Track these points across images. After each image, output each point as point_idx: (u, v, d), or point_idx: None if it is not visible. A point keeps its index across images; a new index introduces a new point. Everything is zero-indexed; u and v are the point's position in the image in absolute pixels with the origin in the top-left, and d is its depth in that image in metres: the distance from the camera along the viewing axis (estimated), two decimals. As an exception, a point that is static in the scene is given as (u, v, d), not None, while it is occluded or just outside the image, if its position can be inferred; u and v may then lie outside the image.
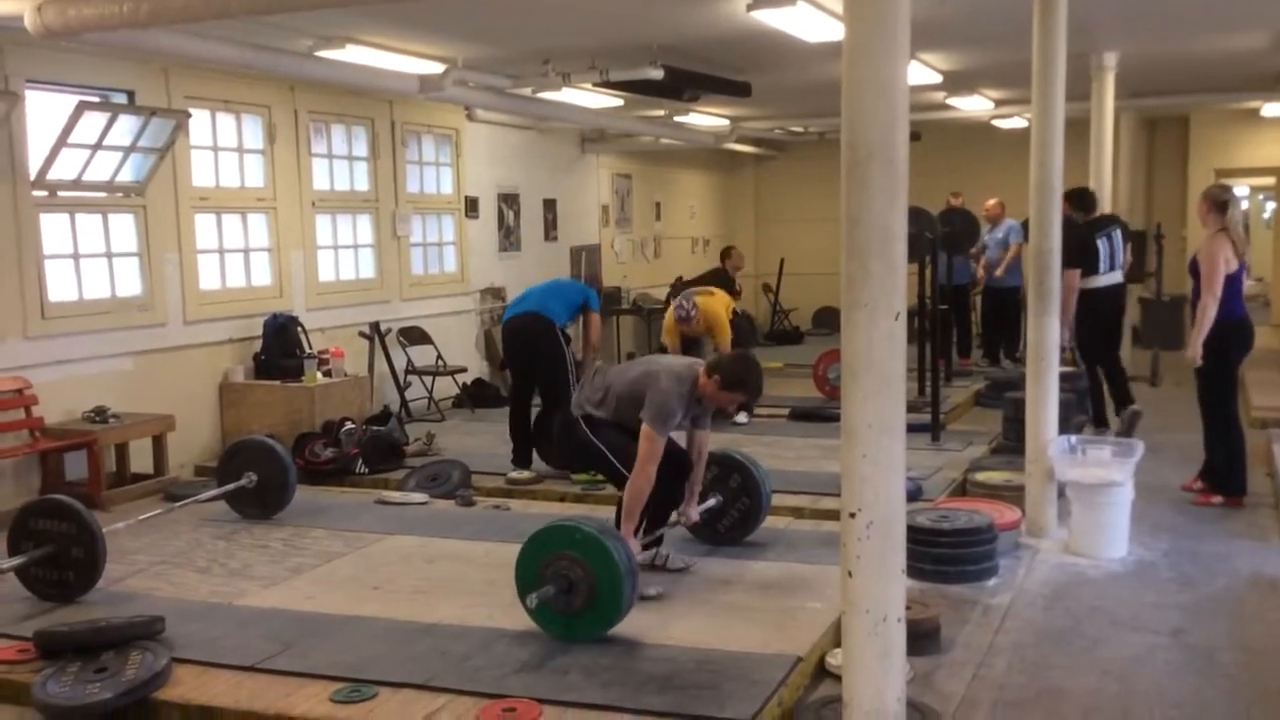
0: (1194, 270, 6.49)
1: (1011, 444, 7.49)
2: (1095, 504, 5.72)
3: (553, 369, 7.29)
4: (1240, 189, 20.28)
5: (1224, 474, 6.61)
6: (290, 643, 4.43)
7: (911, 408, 3.32)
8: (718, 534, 5.66)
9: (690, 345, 8.89)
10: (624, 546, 4.39)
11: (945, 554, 5.28)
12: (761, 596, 4.88)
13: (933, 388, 8.43)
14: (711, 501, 5.50)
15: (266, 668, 4.20)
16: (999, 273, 11.49)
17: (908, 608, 3.25)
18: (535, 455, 7.48)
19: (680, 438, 5.20)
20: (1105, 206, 9.06)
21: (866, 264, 2.99)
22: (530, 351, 7.41)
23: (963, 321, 11.97)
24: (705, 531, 5.64)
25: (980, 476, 6.76)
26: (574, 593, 4.32)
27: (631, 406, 4.92)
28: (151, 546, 5.92)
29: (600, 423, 5.08)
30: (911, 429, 3.36)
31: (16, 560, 4.99)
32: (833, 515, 5.59)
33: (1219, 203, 6.40)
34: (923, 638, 4.37)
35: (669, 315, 8.97)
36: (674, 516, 5.27)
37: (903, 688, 3.22)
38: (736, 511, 5.64)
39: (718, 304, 8.93)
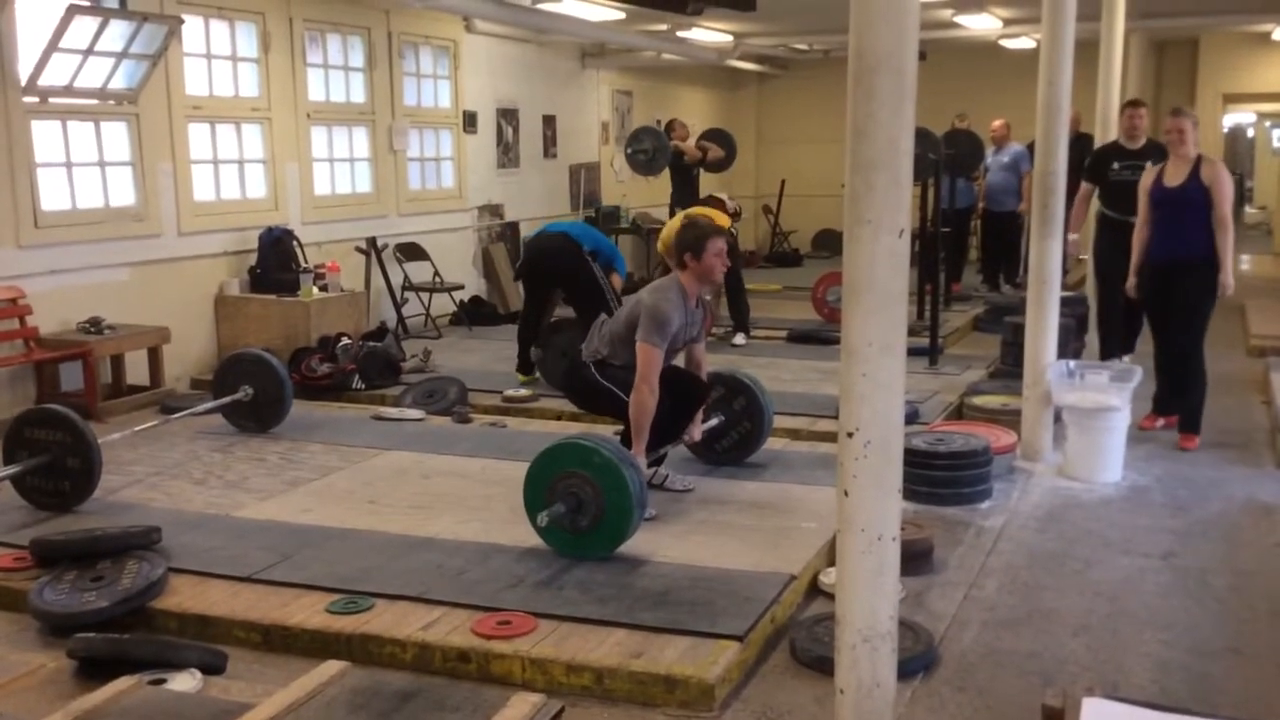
0: (1188, 194, 6.09)
1: (1009, 368, 7.48)
2: (1091, 429, 5.73)
3: (587, 289, 7.36)
4: (1247, 115, 20.12)
5: (1198, 410, 6.35)
6: (287, 554, 4.45)
7: (910, 331, 3.28)
8: (716, 454, 5.66)
9: None
10: (639, 476, 4.38)
11: (940, 476, 5.29)
12: (756, 516, 4.90)
13: (931, 311, 8.40)
14: (714, 421, 5.49)
15: (263, 578, 4.22)
16: (1023, 207, 11.35)
17: (902, 528, 3.24)
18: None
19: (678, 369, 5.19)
20: (1111, 129, 8.93)
21: (871, 178, 2.93)
22: (551, 267, 7.49)
23: (960, 246, 11.89)
24: (703, 450, 5.64)
25: (977, 400, 6.76)
26: (582, 512, 4.33)
27: (630, 338, 4.90)
28: (148, 458, 5.92)
29: (608, 365, 5.05)
30: (909, 353, 3.33)
31: (12, 469, 5.00)
32: (829, 437, 5.60)
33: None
34: (916, 558, 4.40)
35: (665, 228, 8.92)
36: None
37: (895, 606, 3.23)
38: (737, 434, 5.63)
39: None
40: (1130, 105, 7.69)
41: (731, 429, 5.62)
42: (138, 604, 3.97)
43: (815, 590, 4.32)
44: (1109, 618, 4.12)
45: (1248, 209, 21.56)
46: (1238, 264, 14.64)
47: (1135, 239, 6.35)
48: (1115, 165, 7.42)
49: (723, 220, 9.01)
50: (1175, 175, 6.16)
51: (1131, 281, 6.42)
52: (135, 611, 3.97)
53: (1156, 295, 6.31)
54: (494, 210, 11.18)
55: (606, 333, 5.14)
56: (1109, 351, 7.51)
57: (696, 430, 5.31)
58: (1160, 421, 6.55)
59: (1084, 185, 7.61)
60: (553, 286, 7.69)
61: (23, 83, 6.68)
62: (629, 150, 10.75)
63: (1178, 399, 6.40)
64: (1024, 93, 7.67)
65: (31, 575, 4.23)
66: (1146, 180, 6.33)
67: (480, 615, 3.85)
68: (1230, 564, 4.67)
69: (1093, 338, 8.48)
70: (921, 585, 4.36)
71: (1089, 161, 7.73)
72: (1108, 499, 5.49)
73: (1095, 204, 7.69)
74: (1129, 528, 5.09)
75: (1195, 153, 6.15)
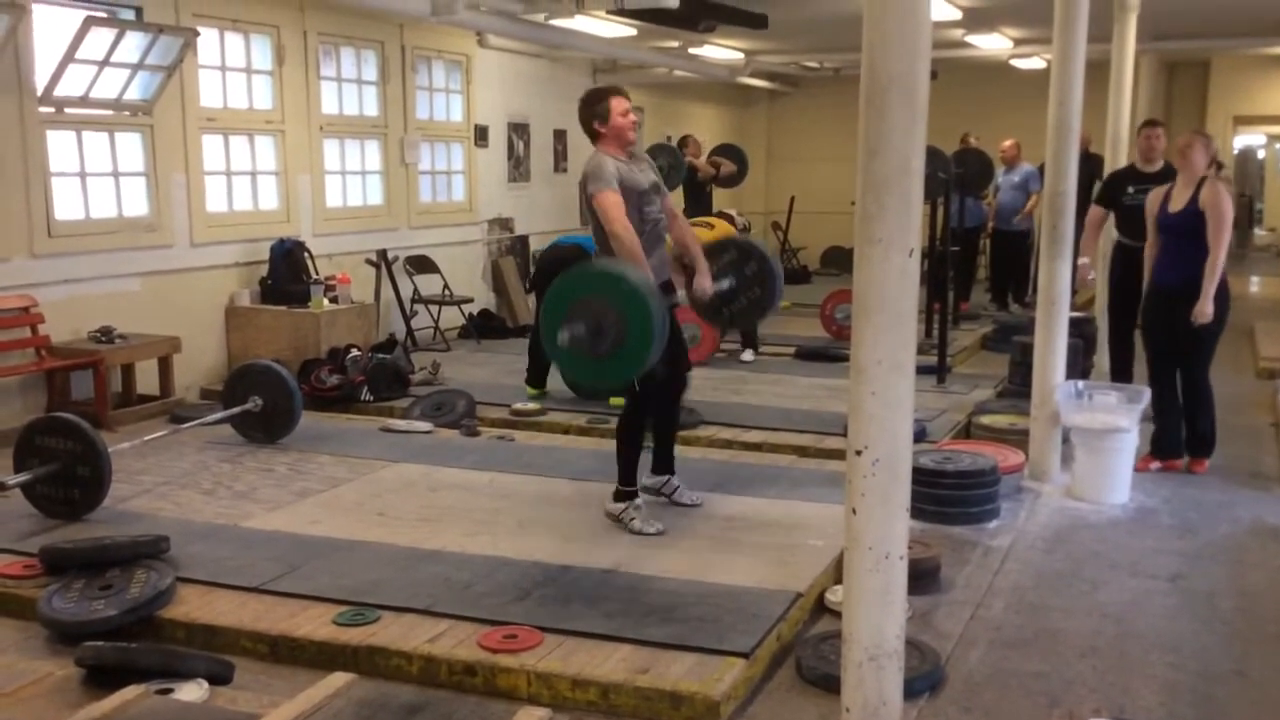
0: (1187, 220, 5.89)
1: (1017, 388, 7.47)
2: (1099, 449, 5.72)
3: None
4: (1258, 137, 20.11)
5: (1208, 436, 6.20)
6: (295, 565, 4.46)
7: (918, 350, 3.30)
8: (725, 317, 5.68)
9: None
10: (661, 307, 4.37)
11: (948, 495, 5.29)
12: (763, 533, 4.90)
13: (940, 330, 8.40)
14: (725, 284, 5.38)
15: (271, 589, 4.23)
16: (1018, 219, 11.37)
17: (909, 547, 3.25)
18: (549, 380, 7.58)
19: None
20: (1122, 151, 8.94)
21: (882, 198, 2.95)
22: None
23: (969, 265, 11.90)
24: (713, 314, 5.63)
25: (985, 419, 6.76)
26: (601, 336, 4.32)
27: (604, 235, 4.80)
28: (157, 467, 5.94)
29: None
30: (918, 371, 3.33)
31: (23, 477, 5.02)
32: (836, 455, 5.61)
33: (1213, 151, 6.02)
34: (923, 577, 4.39)
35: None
36: (681, 295, 5.20)
37: (902, 625, 3.23)
38: (747, 299, 5.53)
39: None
40: (1147, 125, 7.35)
41: (742, 293, 5.51)
42: (146, 613, 3.98)
43: (822, 608, 4.31)
44: (1116, 639, 4.11)
45: (1257, 231, 21.52)
46: (1246, 286, 14.64)
47: (1216, 264, 5.85)
48: (1130, 190, 7.09)
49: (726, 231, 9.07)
50: (1179, 199, 5.98)
51: (1208, 309, 5.86)
52: (143, 620, 3.98)
53: (1160, 322, 6.12)
54: (504, 224, 11.22)
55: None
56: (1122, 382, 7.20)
57: (707, 282, 5.20)
58: (1156, 464, 6.20)
59: (1096, 210, 7.28)
60: None
61: (39, 93, 6.73)
62: None
63: (1187, 427, 6.20)
64: (1035, 113, 7.65)
65: (41, 583, 4.25)
66: (1153, 204, 6.17)
67: (487, 629, 3.85)
68: (1238, 586, 4.66)
69: (1101, 357, 8.47)
70: (928, 604, 4.35)
71: (1102, 186, 7.51)
72: (1115, 520, 5.48)
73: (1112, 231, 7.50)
74: (1136, 549, 5.07)
75: (1200, 175, 5.92)
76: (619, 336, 4.30)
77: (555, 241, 8.06)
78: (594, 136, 4.98)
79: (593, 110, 4.96)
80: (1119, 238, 7.30)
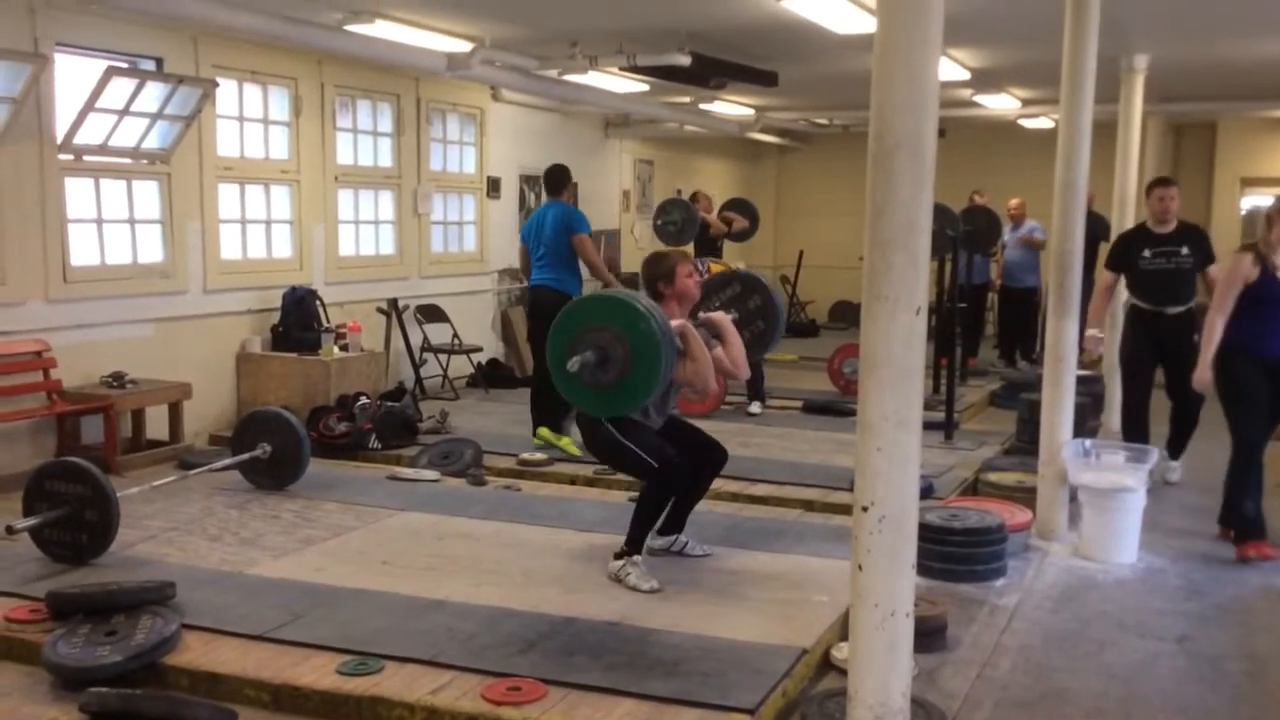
0: None
1: (1024, 445, 7.48)
2: (1107, 508, 5.71)
3: None
4: (1265, 199, 20.17)
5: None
6: (299, 613, 4.46)
7: (925, 406, 3.32)
8: None
9: None
10: (672, 354, 4.48)
11: (955, 553, 5.27)
12: (769, 588, 4.88)
13: (948, 386, 8.41)
14: (730, 317, 5.41)
15: (274, 637, 4.23)
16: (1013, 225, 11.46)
17: (915, 604, 3.24)
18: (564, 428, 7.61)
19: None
20: (1129, 212, 9.00)
21: (889, 256, 2.99)
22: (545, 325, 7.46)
23: (977, 322, 11.93)
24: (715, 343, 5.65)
25: (992, 477, 6.75)
26: (606, 368, 4.38)
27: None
28: (164, 513, 5.95)
29: (629, 423, 4.94)
30: (925, 427, 3.35)
31: (31, 521, 5.03)
32: (843, 509, 5.60)
33: (1267, 214, 5.81)
34: (929, 635, 4.37)
35: None
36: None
37: (908, 683, 3.22)
38: (750, 332, 5.60)
39: None
40: (1160, 184, 6.98)
41: (745, 327, 5.57)
42: (150, 659, 3.98)
43: (827, 664, 4.29)
44: (1122, 701, 4.08)
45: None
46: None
47: (1211, 328, 5.70)
48: (1146, 253, 6.81)
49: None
50: None
51: (1205, 375, 5.75)
52: (148, 667, 3.97)
53: (1262, 393, 5.73)
54: (514, 274, 11.29)
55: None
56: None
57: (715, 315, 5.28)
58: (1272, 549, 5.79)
59: (1107, 275, 7.11)
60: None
61: (59, 140, 6.83)
62: (658, 221, 10.95)
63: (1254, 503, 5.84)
64: (1042, 171, 7.71)
65: (46, 628, 4.25)
66: (1243, 271, 5.67)
67: (490, 681, 3.84)
68: (1246, 650, 4.62)
69: (1109, 416, 8.46)
70: (934, 662, 4.33)
71: (1112, 249, 7.24)
72: (1123, 580, 5.46)
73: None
74: (1144, 610, 5.05)
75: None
76: (623, 373, 4.36)
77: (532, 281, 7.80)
78: (656, 296, 5.08)
79: (658, 270, 5.09)
80: (1134, 300, 7.02)
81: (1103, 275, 7.17)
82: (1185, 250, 6.77)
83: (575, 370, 4.41)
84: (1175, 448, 7.17)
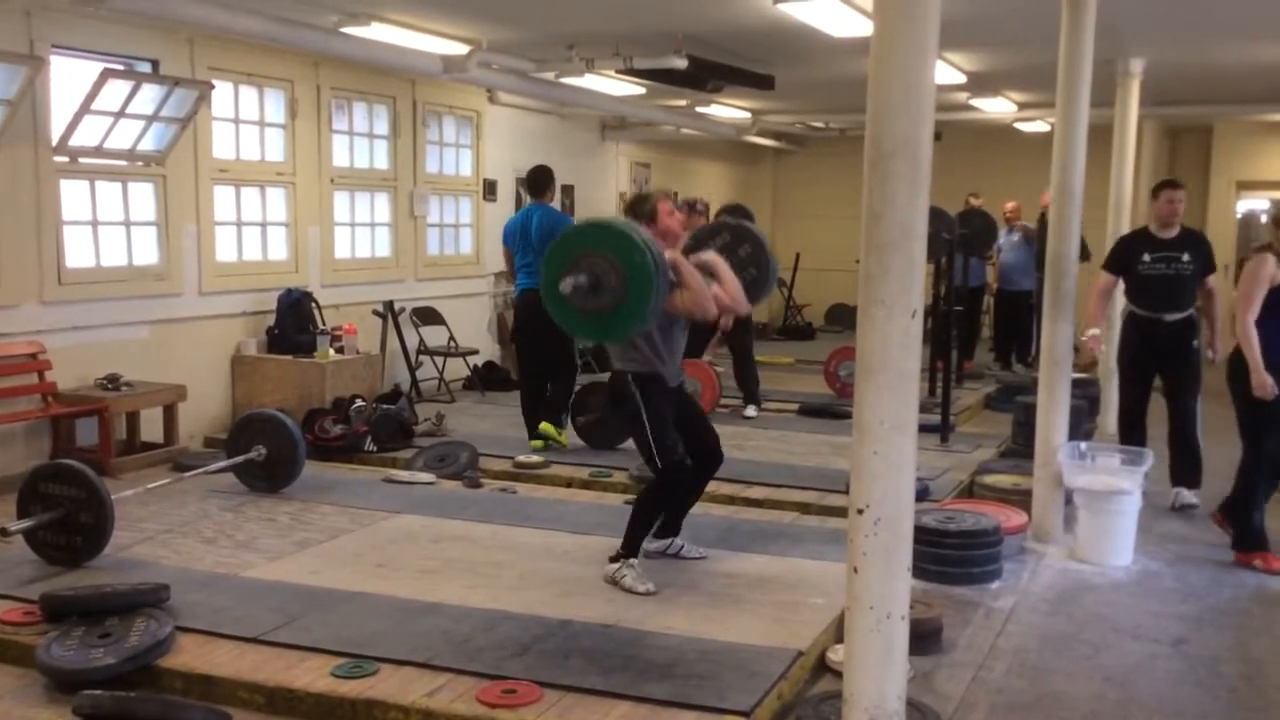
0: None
1: (1020, 448, 7.48)
2: (1102, 511, 5.71)
3: (558, 341, 7.31)
4: (1260, 203, 20.22)
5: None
6: (294, 616, 4.45)
7: (921, 408, 3.32)
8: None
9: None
10: (664, 288, 4.47)
11: (950, 555, 5.27)
12: (765, 590, 4.88)
13: (943, 389, 8.42)
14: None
15: (269, 640, 4.22)
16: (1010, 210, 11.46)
17: (910, 607, 3.24)
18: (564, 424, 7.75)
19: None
20: (1125, 215, 9.01)
21: (885, 260, 2.99)
22: (534, 330, 7.47)
23: (972, 325, 11.94)
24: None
25: (988, 479, 6.75)
26: (600, 290, 4.37)
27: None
28: (159, 515, 5.95)
29: (651, 386, 4.90)
30: (921, 430, 3.35)
31: (25, 523, 5.02)
32: (839, 512, 5.60)
33: (1274, 218, 5.82)
34: (924, 637, 4.38)
35: None
36: (694, 385, 5.19)
37: (903, 686, 3.22)
38: (743, 280, 5.46)
39: None
40: (1169, 187, 6.75)
41: (737, 275, 5.39)
42: (144, 662, 3.97)
43: (823, 667, 4.29)
44: (1118, 704, 4.08)
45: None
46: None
47: (1246, 332, 5.57)
48: (1146, 257, 6.66)
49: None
50: None
51: (1265, 380, 5.52)
52: (142, 669, 3.97)
53: None
54: (510, 277, 11.26)
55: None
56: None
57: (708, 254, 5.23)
58: None
59: (1106, 277, 6.94)
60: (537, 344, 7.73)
61: (54, 142, 6.82)
62: None
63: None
64: (1038, 174, 7.72)
65: (40, 630, 4.24)
66: (1266, 270, 5.58)
67: (486, 683, 3.83)
68: (1242, 653, 4.63)
69: (1105, 419, 8.48)
70: (930, 665, 4.33)
71: (1112, 251, 7.16)
72: (1118, 583, 5.46)
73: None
74: (1140, 613, 5.05)
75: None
76: (613, 303, 4.35)
77: (524, 286, 7.79)
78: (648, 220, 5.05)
79: (640, 210, 5.10)
80: (1132, 307, 6.88)
81: (1100, 276, 7.01)
82: (1186, 257, 6.62)
83: (567, 292, 4.40)
84: (1181, 476, 6.78)
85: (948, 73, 9.22)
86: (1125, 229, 9.22)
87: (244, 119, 8.31)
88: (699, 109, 11.91)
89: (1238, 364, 5.68)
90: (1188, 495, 6.72)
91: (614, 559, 4.94)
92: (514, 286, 8.09)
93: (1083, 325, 7.18)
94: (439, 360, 9.73)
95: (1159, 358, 6.74)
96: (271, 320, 8.34)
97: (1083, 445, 6.18)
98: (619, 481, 6.79)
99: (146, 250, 7.61)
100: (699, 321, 5.22)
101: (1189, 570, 5.65)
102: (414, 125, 9.92)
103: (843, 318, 15.48)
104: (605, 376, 7.81)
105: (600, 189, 13.15)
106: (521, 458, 7.27)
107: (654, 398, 4.90)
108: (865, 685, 3.14)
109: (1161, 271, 6.64)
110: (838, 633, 4.24)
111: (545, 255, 4.73)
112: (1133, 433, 6.90)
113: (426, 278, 10.17)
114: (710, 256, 5.22)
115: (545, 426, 7.57)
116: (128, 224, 7.49)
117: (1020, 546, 5.80)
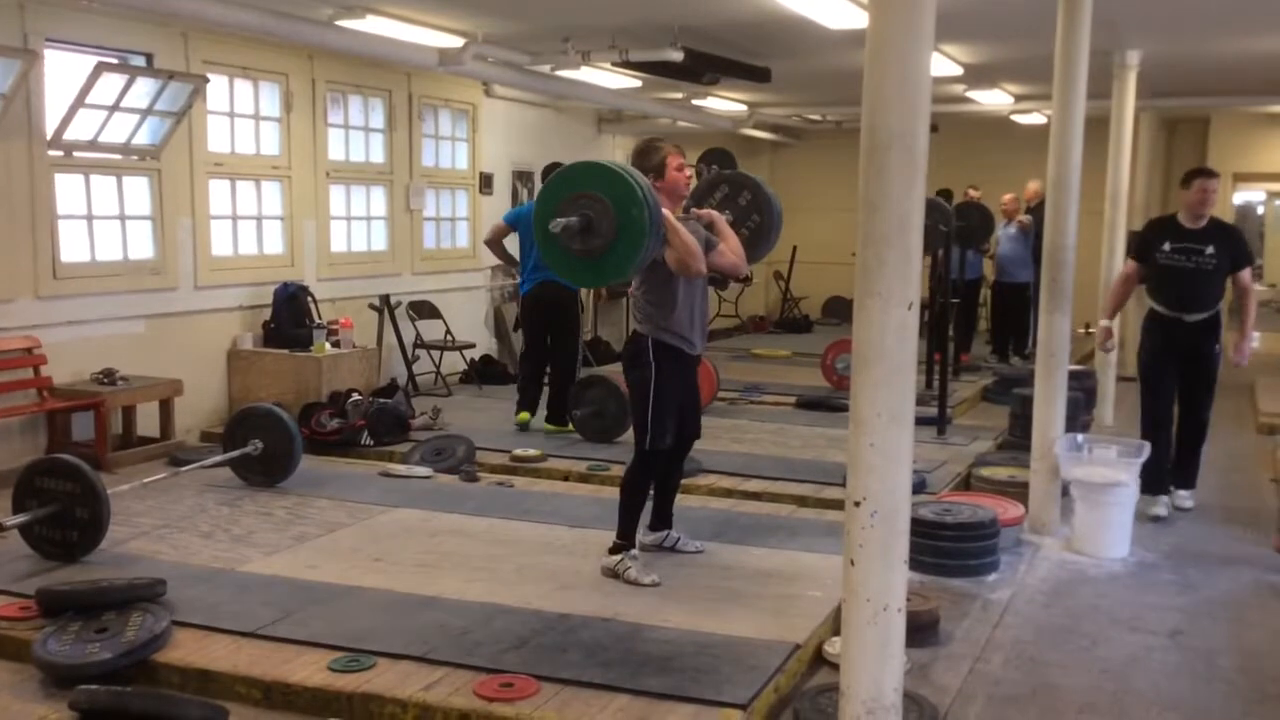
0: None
1: (1017, 440, 7.48)
2: (1099, 503, 5.72)
3: (571, 335, 7.71)
4: (1257, 193, 20.26)
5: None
6: (290, 610, 4.45)
7: (918, 401, 3.32)
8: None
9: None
10: (658, 239, 4.34)
11: (947, 547, 5.28)
12: (762, 583, 4.88)
13: (940, 381, 8.42)
14: (724, 217, 5.26)
15: (266, 634, 4.21)
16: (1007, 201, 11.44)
17: (907, 599, 3.24)
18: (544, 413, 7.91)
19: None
20: (1122, 207, 9.01)
21: (882, 252, 2.98)
22: (553, 318, 7.82)
23: (969, 317, 11.94)
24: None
25: (985, 471, 6.75)
26: (590, 234, 4.25)
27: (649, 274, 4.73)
28: (156, 510, 5.94)
29: (669, 360, 4.83)
30: (917, 422, 3.35)
31: (21, 518, 5.01)
32: (836, 505, 5.60)
33: None
34: (921, 630, 4.38)
35: None
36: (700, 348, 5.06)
37: (900, 678, 3.22)
38: (746, 229, 5.46)
39: None
40: (1202, 175, 6.26)
41: (741, 224, 5.43)
42: (141, 656, 3.97)
43: (820, 660, 4.29)
44: (1115, 696, 4.08)
45: (1258, 286, 21.67)
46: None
47: None
48: (1166, 246, 6.20)
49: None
50: None
51: None
52: (138, 664, 3.96)
53: None
54: (507, 270, 11.26)
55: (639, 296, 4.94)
56: (1157, 482, 6.32)
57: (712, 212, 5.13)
58: None
59: (1130, 264, 6.54)
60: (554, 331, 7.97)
61: (48, 136, 6.80)
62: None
63: None
64: (1035, 166, 7.70)
65: (36, 625, 4.23)
66: None
67: (483, 677, 3.83)
68: (1238, 645, 4.63)
69: (1102, 411, 8.47)
70: (926, 657, 4.33)
71: (1138, 237, 6.75)
72: (1115, 575, 5.47)
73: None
74: (1136, 605, 5.06)
75: None
76: (602, 247, 4.24)
77: (537, 280, 7.75)
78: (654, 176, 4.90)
79: (648, 163, 4.92)
80: (1152, 304, 6.43)
81: (1126, 264, 6.67)
82: (1210, 250, 6.14)
83: (556, 231, 4.27)
84: (1178, 478, 6.59)
85: (944, 65, 9.21)
86: (1122, 222, 9.25)
87: (239, 113, 8.29)
88: (695, 102, 11.91)
89: None
90: (1184, 497, 6.63)
91: (613, 550, 4.93)
92: (515, 273, 8.14)
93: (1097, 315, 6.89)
94: (435, 354, 9.72)
95: (1180, 359, 6.30)
96: (268, 314, 8.33)
97: (1079, 437, 6.18)
98: (616, 475, 6.75)
99: (142, 244, 7.59)
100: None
101: (1185, 562, 5.65)
102: (410, 118, 9.90)
103: (839, 311, 15.48)
104: (602, 370, 7.85)
105: (597, 182, 13.11)
106: (518, 451, 7.26)
107: (668, 375, 4.82)
108: (862, 677, 3.14)
109: (1180, 264, 6.17)
110: (835, 625, 4.23)
111: (545, 184, 4.55)
112: (1164, 436, 6.38)
113: (423, 271, 10.16)
114: (713, 213, 5.10)
115: (548, 427, 7.73)
116: (123, 218, 7.48)
117: (1017, 539, 5.81)
